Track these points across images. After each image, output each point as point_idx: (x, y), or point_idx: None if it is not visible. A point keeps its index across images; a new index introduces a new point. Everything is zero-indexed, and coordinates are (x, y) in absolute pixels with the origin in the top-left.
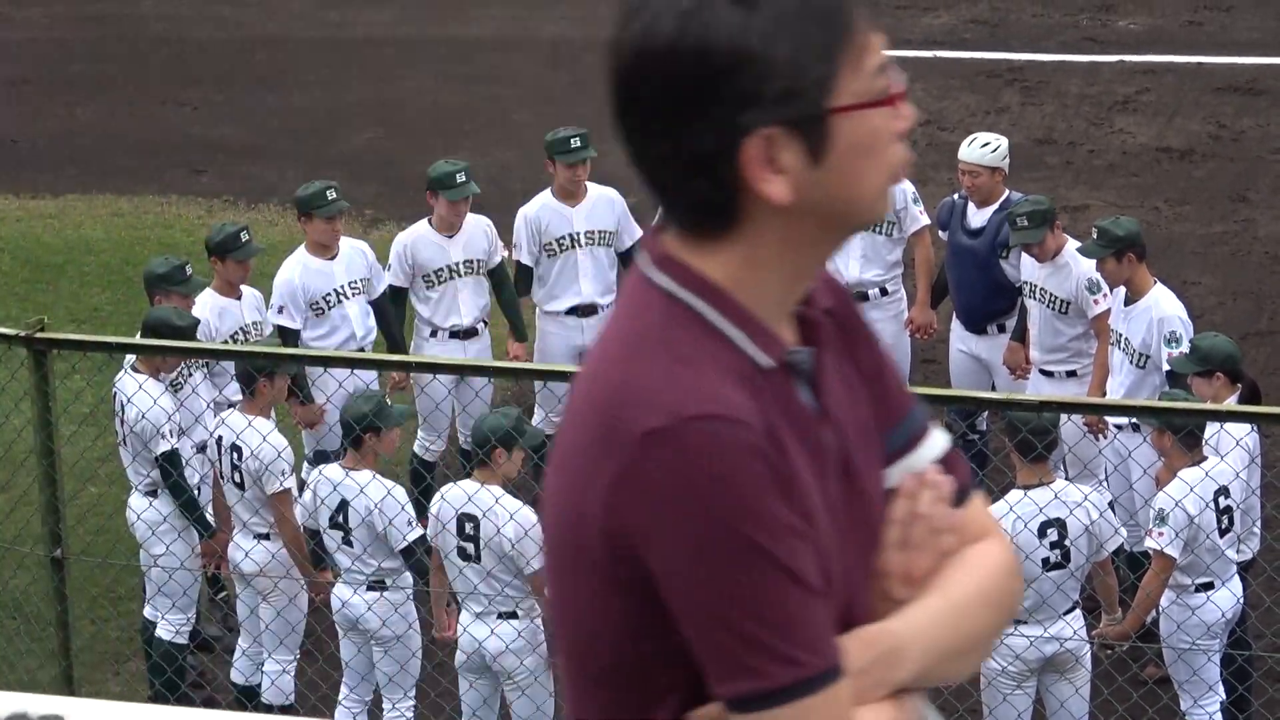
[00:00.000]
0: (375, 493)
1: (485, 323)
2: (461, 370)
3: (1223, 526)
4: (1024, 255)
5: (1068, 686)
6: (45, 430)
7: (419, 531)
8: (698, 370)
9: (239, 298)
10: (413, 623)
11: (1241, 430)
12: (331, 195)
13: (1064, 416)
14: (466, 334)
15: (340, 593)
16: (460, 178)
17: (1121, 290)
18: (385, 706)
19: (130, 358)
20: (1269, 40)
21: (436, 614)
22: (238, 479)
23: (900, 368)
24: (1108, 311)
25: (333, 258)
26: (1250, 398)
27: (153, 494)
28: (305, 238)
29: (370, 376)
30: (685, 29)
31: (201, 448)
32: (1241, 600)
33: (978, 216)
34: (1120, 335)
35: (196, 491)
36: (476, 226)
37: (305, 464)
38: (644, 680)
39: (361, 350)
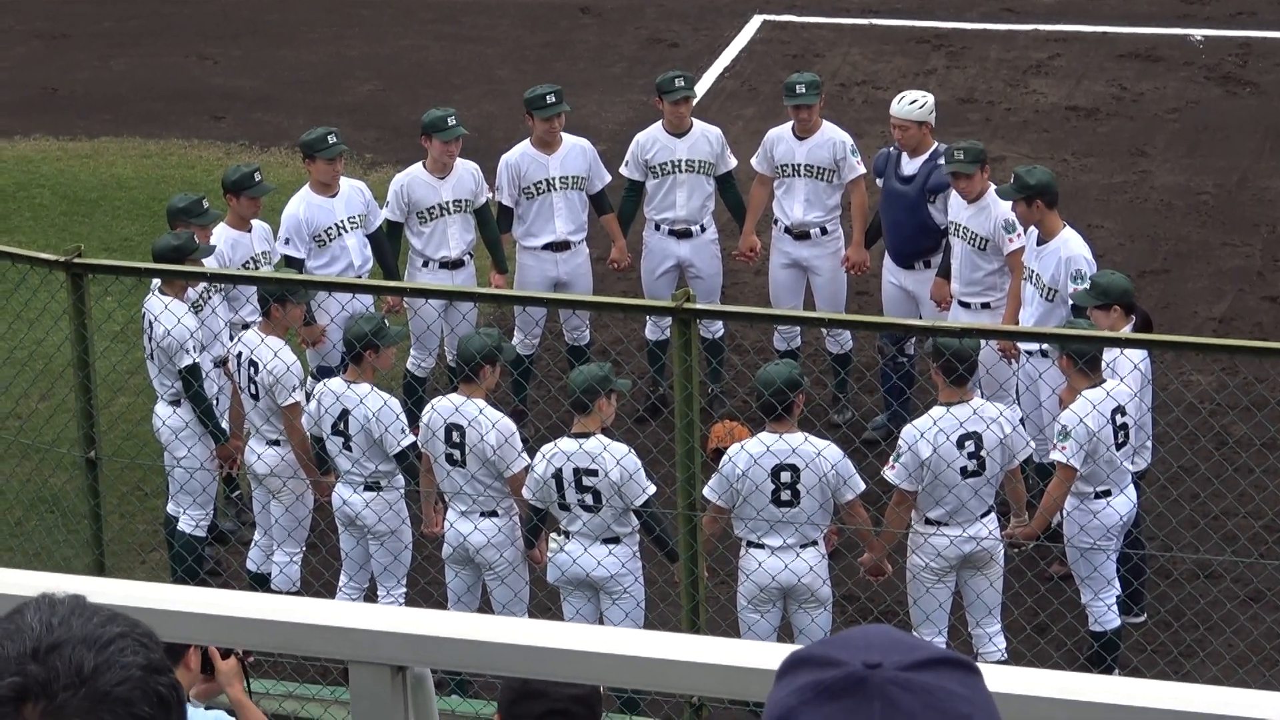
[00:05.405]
0: (373, 403)
1: (471, 255)
2: (450, 296)
3: (1119, 440)
4: (951, 196)
5: (983, 580)
6: (81, 345)
7: (411, 438)
8: None
9: (249, 230)
10: (405, 519)
11: (1137, 356)
12: (332, 139)
13: (982, 342)
14: (454, 265)
15: (341, 492)
16: (450, 121)
17: (1035, 231)
18: (380, 593)
19: (157, 281)
20: (1166, 13)
21: (426, 512)
22: (253, 390)
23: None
24: (1021, 249)
25: (334, 195)
26: (1143, 327)
27: (175, 403)
28: (310, 177)
29: (369, 300)
30: None
31: (219, 363)
32: (1136, 505)
33: (909, 165)
34: (1032, 271)
35: (214, 402)
36: (465, 170)
37: (310, 378)
38: None
39: (359, 278)
